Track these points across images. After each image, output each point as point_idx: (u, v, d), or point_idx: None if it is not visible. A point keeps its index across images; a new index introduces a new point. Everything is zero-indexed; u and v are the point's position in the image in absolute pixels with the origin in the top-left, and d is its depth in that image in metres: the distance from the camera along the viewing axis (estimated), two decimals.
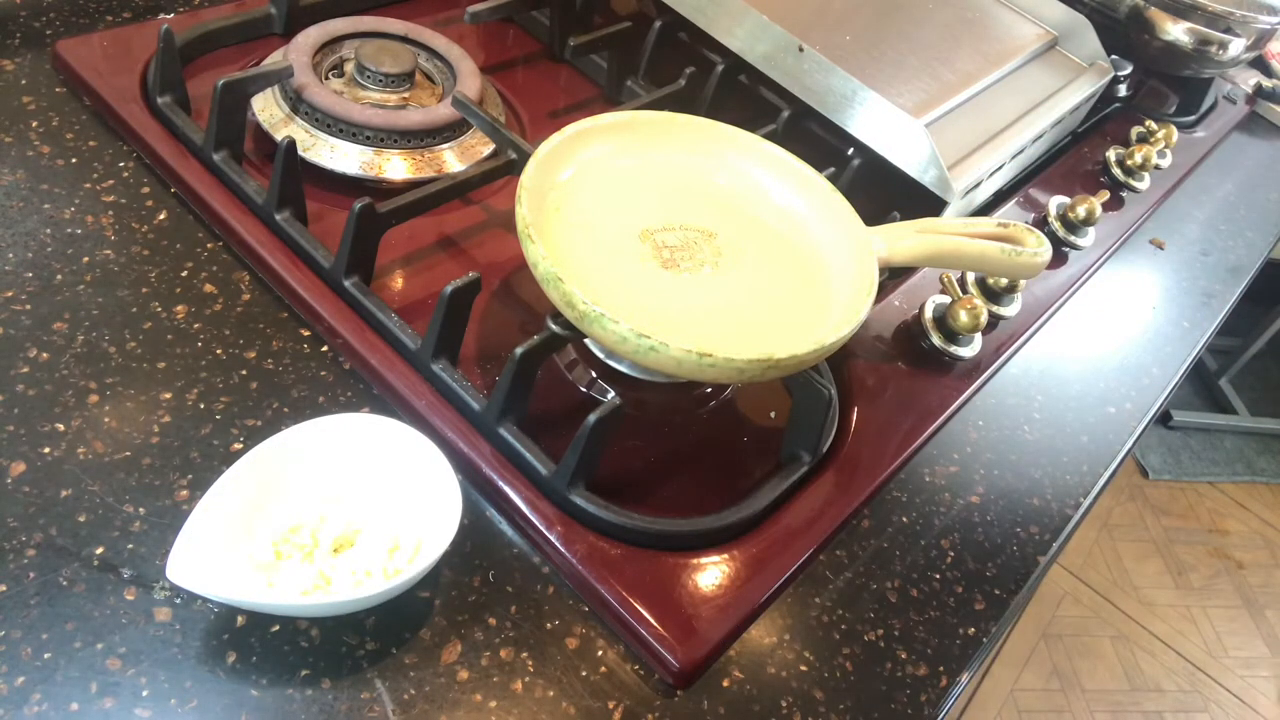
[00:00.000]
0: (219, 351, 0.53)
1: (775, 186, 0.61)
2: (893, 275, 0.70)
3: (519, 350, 0.49)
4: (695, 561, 0.49)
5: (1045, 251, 0.58)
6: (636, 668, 0.46)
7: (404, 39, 0.70)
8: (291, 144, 0.56)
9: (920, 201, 0.68)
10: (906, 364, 0.65)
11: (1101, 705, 1.78)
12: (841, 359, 0.63)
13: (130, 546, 0.44)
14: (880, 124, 0.67)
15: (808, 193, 0.60)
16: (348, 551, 0.45)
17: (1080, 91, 0.80)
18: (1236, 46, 0.95)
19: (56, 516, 0.44)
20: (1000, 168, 0.74)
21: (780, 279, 0.56)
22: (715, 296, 0.53)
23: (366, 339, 0.54)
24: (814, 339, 0.49)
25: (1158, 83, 1.04)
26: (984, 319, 0.65)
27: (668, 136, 0.60)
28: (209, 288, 0.56)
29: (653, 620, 0.46)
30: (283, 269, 0.56)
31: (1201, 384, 2.44)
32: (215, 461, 0.48)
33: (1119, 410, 0.69)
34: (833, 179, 0.60)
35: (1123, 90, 1.00)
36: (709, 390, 0.59)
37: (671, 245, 0.55)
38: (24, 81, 0.63)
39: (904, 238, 0.57)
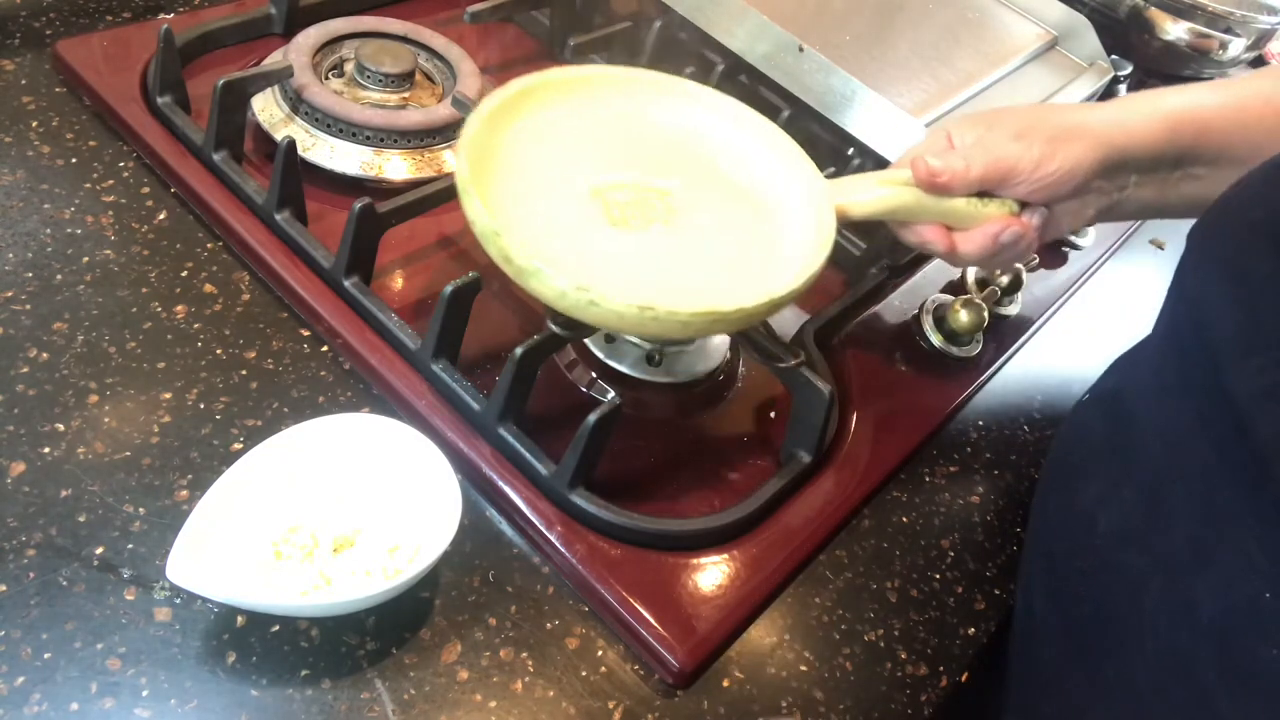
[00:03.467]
0: (219, 351, 0.53)
1: (733, 140, 0.58)
2: (892, 275, 0.70)
3: (519, 350, 0.49)
4: (695, 561, 0.49)
5: (1013, 204, 0.55)
6: (636, 668, 0.46)
7: (404, 39, 0.70)
8: (291, 144, 0.56)
9: None
10: (906, 364, 0.65)
11: None
12: (841, 359, 0.63)
13: (130, 546, 0.44)
14: (880, 124, 0.67)
15: (766, 146, 0.58)
16: (348, 551, 0.45)
17: (1080, 91, 0.80)
18: (1236, 46, 0.95)
19: (56, 516, 0.44)
20: None
21: (735, 235, 0.54)
22: (666, 253, 0.51)
23: (366, 339, 0.54)
24: (763, 291, 0.47)
25: (1158, 83, 1.04)
26: (984, 319, 0.65)
27: (622, 92, 0.58)
28: (209, 288, 0.56)
29: (653, 620, 0.46)
30: (283, 269, 0.56)
31: None
32: (215, 461, 0.48)
33: None
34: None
35: (1123, 90, 1.00)
36: (709, 390, 0.59)
37: (623, 202, 0.52)
38: (24, 81, 0.63)
39: (864, 189, 0.54)
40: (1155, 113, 0.52)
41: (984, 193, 0.54)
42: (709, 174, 0.56)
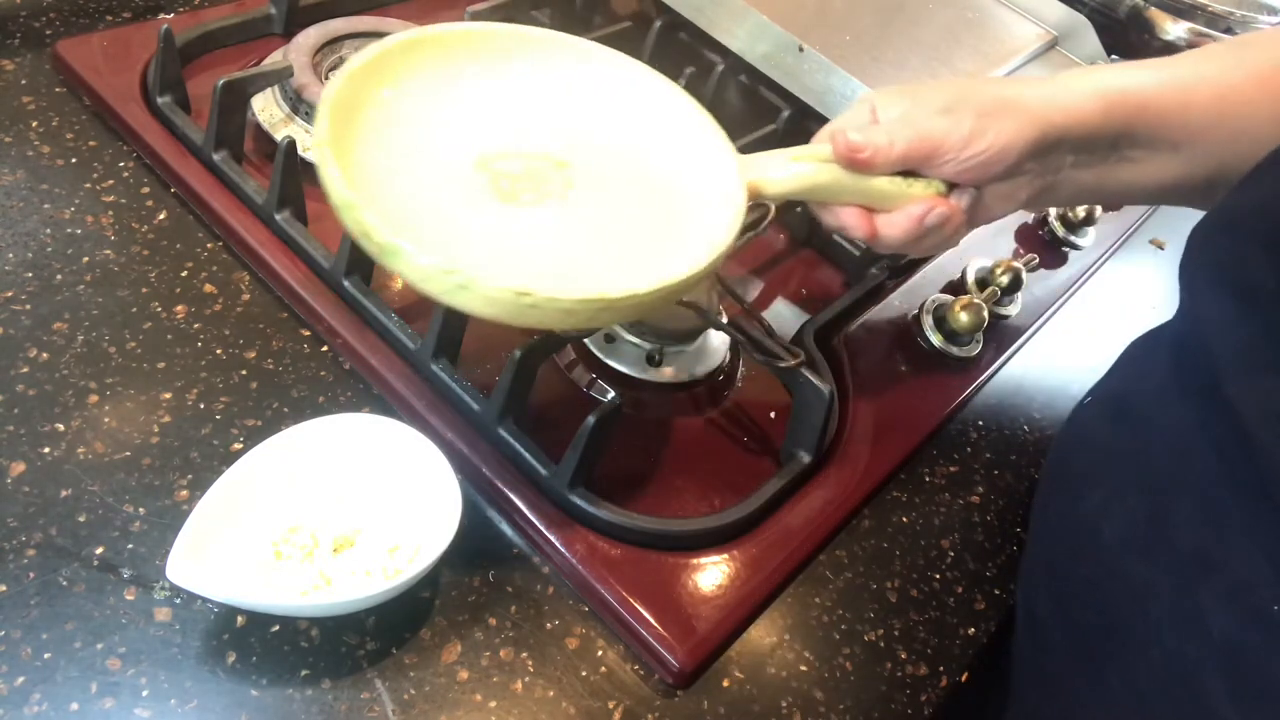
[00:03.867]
0: (219, 351, 0.53)
1: (640, 110, 0.53)
2: (892, 275, 0.70)
3: (519, 350, 0.49)
4: (695, 561, 0.49)
5: (940, 185, 0.50)
6: (636, 668, 0.46)
7: None
8: (291, 144, 0.56)
9: None
10: (906, 364, 0.65)
11: None
12: (841, 359, 0.63)
13: (130, 546, 0.44)
14: None
15: (673, 115, 0.52)
16: (348, 551, 0.45)
17: None
18: None
19: (56, 516, 0.44)
20: None
21: (636, 212, 0.49)
22: (559, 232, 0.46)
23: (366, 339, 0.54)
24: (658, 276, 0.43)
25: None
26: (984, 319, 0.65)
27: (520, 52, 0.52)
28: (209, 288, 0.56)
29: (653, 620, 0.46)
30: (283, 269, 0.56)
31: None
32: (215, 461, 0.48)
33: None
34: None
35: None
36: (709, 390, 0.59)
37: (513, 174, 0.47)
38: (24, 81, 0.63)
39: (779, 166, 0.49)
40: (1093, 90, 0.48)
41: (909, 172, 0.50)
42: (612, 144, 0.51)
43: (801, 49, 0.68)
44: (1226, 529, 0.40)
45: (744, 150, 0.49)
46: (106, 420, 0.48)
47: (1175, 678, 0.41)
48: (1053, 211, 0.80)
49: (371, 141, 0.46)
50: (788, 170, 0.49)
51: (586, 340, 0.57)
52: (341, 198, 0.41)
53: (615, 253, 0.46)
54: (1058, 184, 0.50)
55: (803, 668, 0.49)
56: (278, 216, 0.57)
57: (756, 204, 0.50)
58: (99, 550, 0.44)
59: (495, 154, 0.48)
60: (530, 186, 0.47)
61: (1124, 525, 0.45)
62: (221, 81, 0.58)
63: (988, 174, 0.49)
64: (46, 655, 0.40)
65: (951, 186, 0.50)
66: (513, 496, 0.49)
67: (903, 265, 0.71)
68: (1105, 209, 0.82)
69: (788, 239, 0.73)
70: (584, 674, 0.46)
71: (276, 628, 0.43)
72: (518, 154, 0.48)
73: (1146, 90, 0.49)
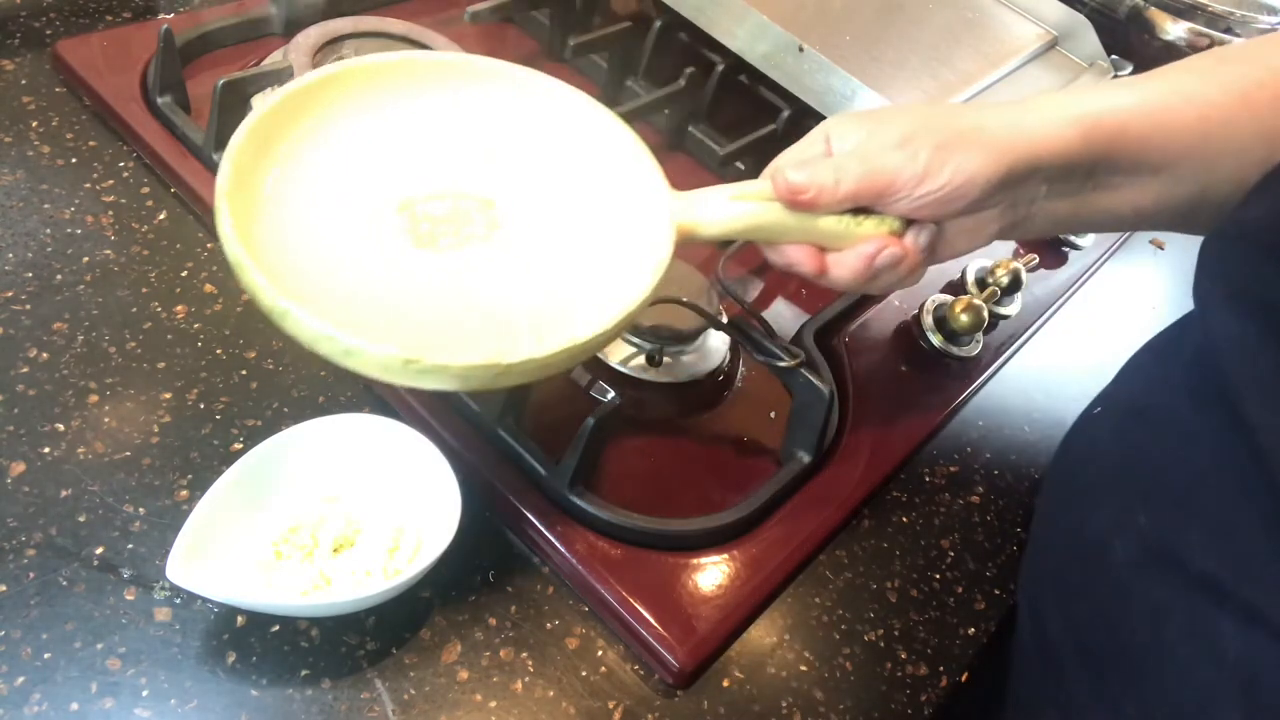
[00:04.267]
0: (219, 351, 0.53)
1: (574, 143, 0.50)
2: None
3: None
4: (695, 561, 0.49)
5: (895, 222, 0.47)
6: (636, 668, 0.46)
7: (404, 39, 0.71)
8: None
9: None
10: (906, 364, 0.65)
11: None
12: (841, 359, 0.63)
13: (130, 546, 0.44)
14: None
15: (610, 151, 0.49)
16: (348, 551, 0.45)
17: None
18: None
19: (56, 516, 0.44)
20: None
21: (559, 258, 0.46)
22: (476, 279, 0.44)
23: None
24: (566, 336, 0.41)
25: None
26: (984, 319, 0.65)
27: (444, 82, 0.49)
28: (209, 288, 0.56)
29: (653, 620, 0.46)
30: None
31: None
32: (215, 461, 0.48)
33: None
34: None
35: None
36: (709, 390, 0.59)
37: (435, 217, 0.45)
38: (24, 81, 0.63)
39: (716, 206, 0.46)
40: (1066, 116, 0.45)
41: (862, 208, 0.46)
42: (543, 180, 0.49)
43: (801, 49, 0.68)
44: (1242, 552, 0.39)
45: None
46: (106, 420, 0.48)
47: (1191, 704, 0.40)
48: None
49: (281, 187, 0.44)
50: (725, 211, 0.46)
51: None
52: (235, 256, 0.39)
53: (525, 306, 0.44)
54: (1031, 216, 0.48)
55: (803, 668, 0.49)
56: None
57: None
58: (99, 550, 0.44)
59: (421, 195, 0.46)
60: (452, 229, 0.45)
61: (1136, 545, 0.44)
62: (222, 81, 0.58)
63: (947, 210, 0.46)
64: (46, 655, 0.40)
65: (910, 222, 0.47)
66: (512, 497, 0.49)
67: None
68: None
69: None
70: (584, 674, 0.46)
71: (276, 628, 0.43)
72: (443, 194, 0.46)
73: (1124, 113, 0.46)
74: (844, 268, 0.47)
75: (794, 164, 0.45)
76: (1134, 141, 0.46)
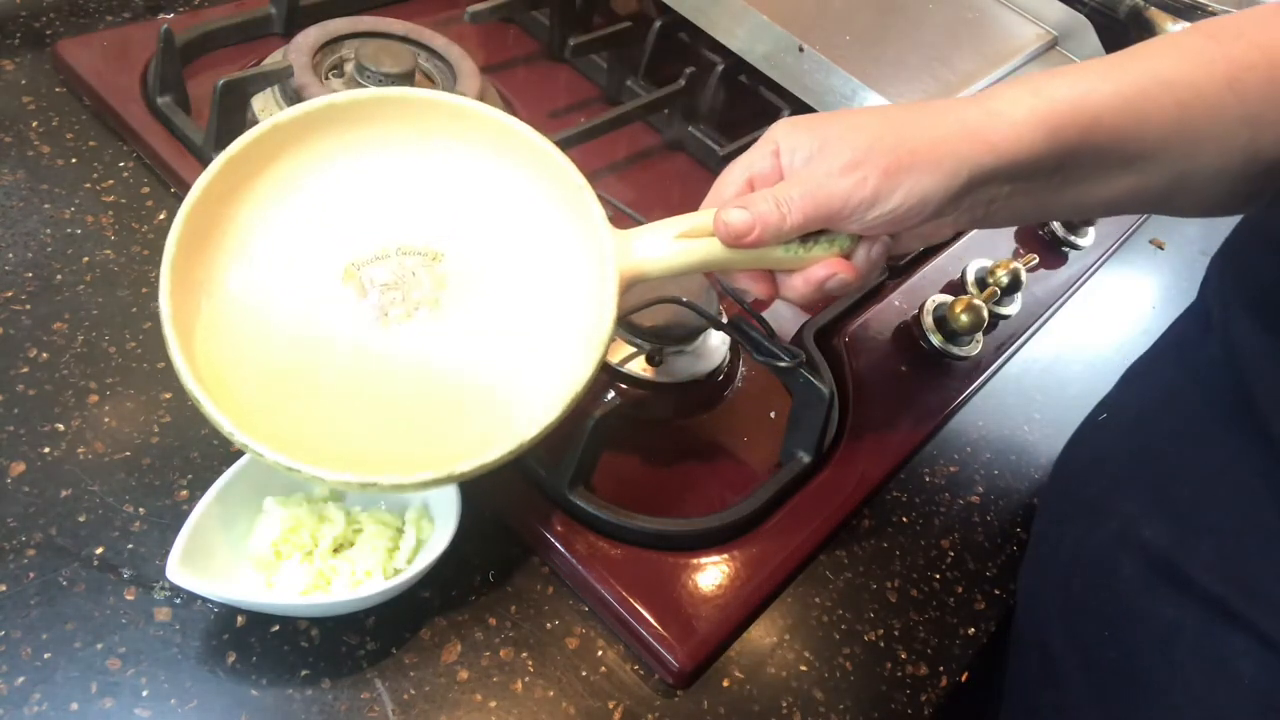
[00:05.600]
0: None
1: (516, 183, 0.46)
2: (892, 276, 0.70)
3: None
4: (695, 561, 0.49)
5: (845, 240, 0.46)
6: (636, 668, 0.46)
7: (404, 39, 0.70)
8: None
9: None
10: (906, 364, 0.65)
11: None
12: (841, 359, 0.63)
13: (130, 546, 0.44)
14: None
15: (553, 192, 0.46)
16: (348, 551, 0.45)
17: None
18: None
19: (56, 516, 0.44)
20: None
21: (509, 316, 0.44)
22: (424, 362, 0.43)
23: None
24: (510, 435, 0.40)
25: None
26: (984, 319, 0.65)
27: (387, 121, 0.45)
28: None
29: (653, 620, 0.46)
30: None
31: None
32: (215, 461, 0.48)
33: None
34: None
35: None
36: (709, 390, 0.59)
37: (383, 283, 0.43)
38: (24, 81, 0.63)
39: (660, 244, 0.45)
40: (1033, 116, 0.42)
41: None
42: (485, 228, 0.46)
43: (801, 49, 0.68)
44: (1256, 573, 0.38)
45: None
46: (106, 420, 0.48)
47: None
48: None
49: (229, 269, 0.42)
50: (670, 250, 0.45)
51: None
52: (182, 373, 0.39)
53: (484, 386, 0.43)
54: (991, 214, 0.46)
55: (803, 668, 0.49)
56: None
57: None
58: (99, 550, 0.44)
59: (365, 258, 0.44)
60: (400, 297, 0.44)
61: (1144, 561, 0.43)
62: (222, 81, 0.58)
63: (900, 228, 0.44)
64: (46, 655, 0.40)
65: (861, 236, 0.46)
66: (512, 497, 0.49)
67: (903, 265, 0.71)
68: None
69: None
70: (584, 674, 0.46)
71: (276, 628, 0.43)
72: (387, 253, 0.44)
73: (1097, 105, 0.42)
74: (794, 291, 0.47)
75: (734, 204, 0.43)
76: (1106, 135, 0.43)
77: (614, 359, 0.57)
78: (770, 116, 0.73)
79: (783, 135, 0.45)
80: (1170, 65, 0.43)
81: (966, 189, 0.42)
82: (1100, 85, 0.43)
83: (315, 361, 0.42)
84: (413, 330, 0.44)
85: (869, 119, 0.43)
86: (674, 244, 0.45)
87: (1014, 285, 0.70)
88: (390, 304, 0.44)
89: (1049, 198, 0.45)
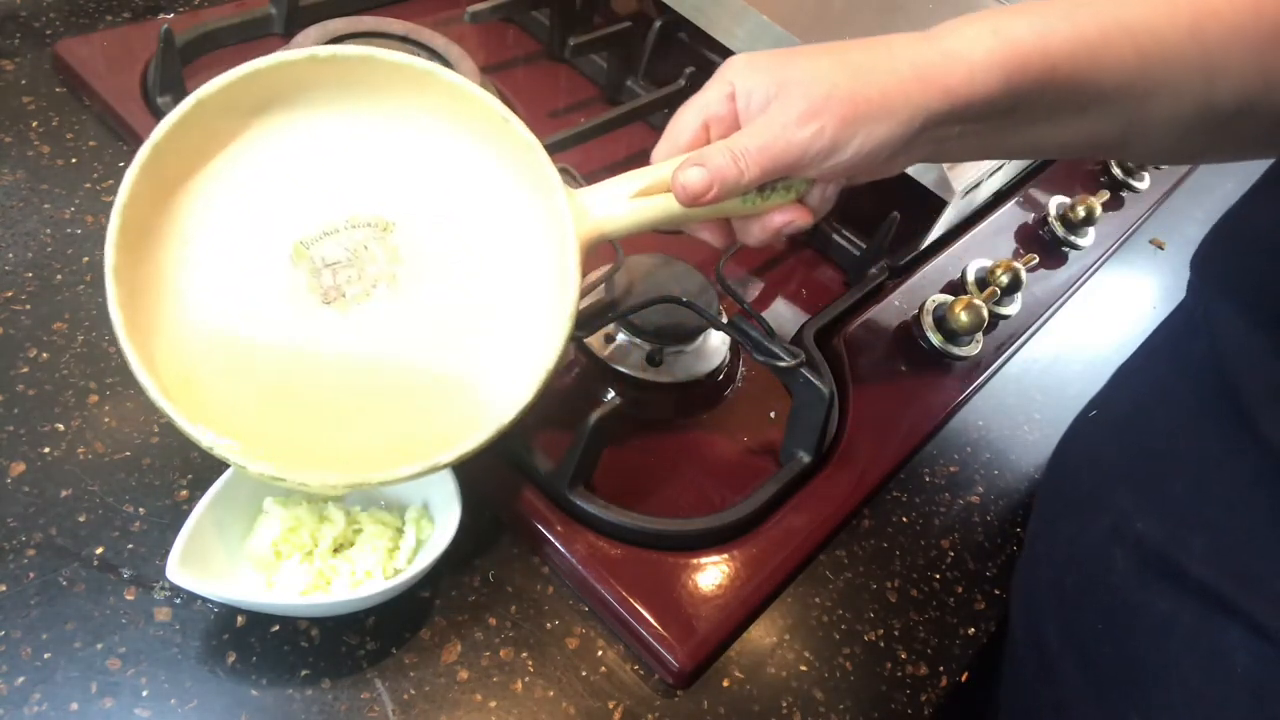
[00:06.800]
0: None
1: (469, 147, 0.44)
2: (892, 275, 0.70)
3: None
4: (695, 561, 0.49)
5: (801, 185, 0.46)
6: (636, 668, 0.46)
7: (404, 39, 0.70)
8: None
9: (920, 201, 0.68)
10: (906, 364, 0.65)
11: None
12: (841, 359, 0.63)
13: (130, 546, 0.44)
14: None
15: (502, 152, 0.44)
16: (348, 551, 0.45)
17: None
18: None
19: (56, 516, 0.44)
20: (1000, 168, 0.74)
21: (468, 289, 0.43)
22: (395, 346, 0.42)
23: None
24: (483, 423, 0.40)
25: None
26: (984, 319, 0.65)
27: (315, 91, 0.42)
28: None
29: (653, 620, 0.46)
30: None
31: None
32: (215, 461, 0.48)
33: None
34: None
35: None
36: (709, 390, 0.59)
37: (334, 261, 0.42)
38: (24, 81, 0.63)
39: (617, 202, 0.44)
40: (989, 57, 0.41)
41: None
42: (438, 194, 0.44)
43: None
44: (1249, 563, 0.38)
45: None
46: (106, 420, 0.48)
47: (1199, 718, 0.39)
48: (1052, 211, 0.80)
49: (175, 247, 0.40)
50: (627, 208, 0.44)
51: (586, 340, 0.57)
52: (125, 350, 0.38)
53: (449, 386, 0.42)
54: (941, 152, 0.46)
55: (803, 668, 0.49)
56: None
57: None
58: (99, 550, 0.44)
59: (313, 235, 0.42)
60: (355, 275, 0.42)
61: (1138, 555, 0.43)
62: None
63: (856, 173, 0.45)
64: (46, 655, 0.40)
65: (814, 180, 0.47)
66: (512, 497, 0.49)
67: (903, 265, 0.71)
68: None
69: (788, 239, 0.73)
70: (584, 674, 0.46)
71: (276, 628, 0.43)
72: (335, 227, 0.42)
73: (1055, 49, 0.41)
74: (752, 237, 0.47)
75: (691, 161, 0.43)
76: (1063, 81, 0.42)
77: (614, 359, 0.57)
78: None
79: (738, 76, 0.44)
80: (1133, 9, 0.42)
81: (920, 132, 0.42)
82: (1061, 29, 0.42)
83: (283, 364, 0.41)
84: (374, 313, 0.42)
85: (825, 65, 0.43)
86: (631, 202, 0.44)
87: (1014, 285, 0.70)
88: (346, 282, 0.42)
89: (1000, 139, 0.45)
